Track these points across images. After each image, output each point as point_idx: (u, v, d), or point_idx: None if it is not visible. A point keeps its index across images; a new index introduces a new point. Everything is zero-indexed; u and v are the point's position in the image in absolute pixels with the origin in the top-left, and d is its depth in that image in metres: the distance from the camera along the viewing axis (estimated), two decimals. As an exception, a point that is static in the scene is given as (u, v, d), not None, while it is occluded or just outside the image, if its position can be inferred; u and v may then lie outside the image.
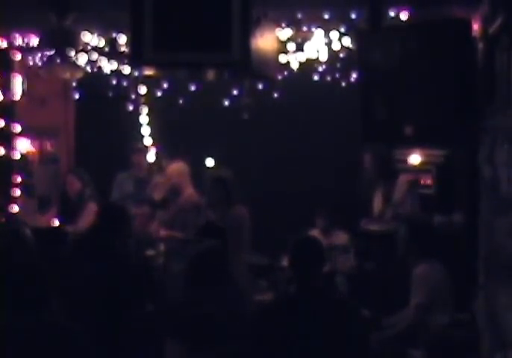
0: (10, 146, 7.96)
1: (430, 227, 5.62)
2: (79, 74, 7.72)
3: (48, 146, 8.86)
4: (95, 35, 7.28)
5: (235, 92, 8.10)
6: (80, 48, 7.31)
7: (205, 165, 8.36)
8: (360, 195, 7.19)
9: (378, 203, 6.85)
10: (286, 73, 7.55)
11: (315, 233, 7.10)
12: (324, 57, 7.23)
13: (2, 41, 7.63)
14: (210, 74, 6.20)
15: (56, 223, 7.71)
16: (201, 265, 4.52)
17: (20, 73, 8.07)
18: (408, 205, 6.49)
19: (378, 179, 6.88)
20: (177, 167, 7.27)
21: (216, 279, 4.43)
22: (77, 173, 7.74)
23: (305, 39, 6.98)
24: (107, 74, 8.21)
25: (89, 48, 7.40)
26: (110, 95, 8.55)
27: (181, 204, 7.09)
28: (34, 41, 7.54)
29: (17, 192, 8.01)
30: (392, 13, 6.06)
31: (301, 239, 4.16)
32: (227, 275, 4.55)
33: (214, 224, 6.40)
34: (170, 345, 4.31)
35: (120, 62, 7.92)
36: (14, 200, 7.96)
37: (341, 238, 7.19)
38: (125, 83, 8.49)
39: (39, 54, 7.70)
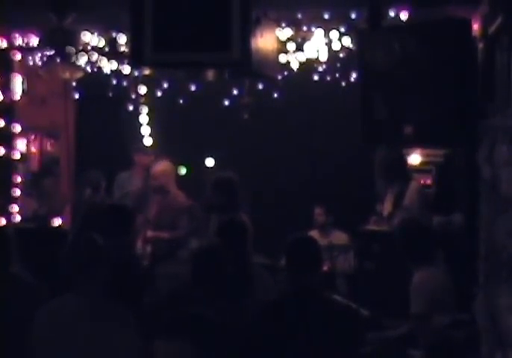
0: (10, 146, 7.95)
1: (429, 231, 5.59)
2: (79, 74, 7.73)
3: (48, 146, 8.86)
4: (95, 35, 7.28)
5: (235, 92, 8.09)
6: (80, 48, 7.32)
7: (205, 165, 8.36)
8: (374, 196, 7.18)
9: (388, 204, 6.82)
10: (286, 73, 7.54)
11: (314, 232, 7.09)
12: (324, 57, 7.23)
13: (2, 41, 7.63)
14: (210, 74, 6.20)
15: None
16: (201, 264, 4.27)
17: (20, 73, 8.06)
18: (416, 211, 6.46)
19: (391, 180, 6.84)
20: (162, 167, 7.23)
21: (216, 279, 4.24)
22: None
23: (305, 39, 6.99)
24: (107, 74, 8.21)
25: (89, 48, 7.41)
26: (110, 95, 8.55)
27: (168, 204, 7.04)
28: (34, 41, 7.54)
29: (17, 192, 8.01)
30: (392, 13, 6.07)
31: (297, 239, 4.14)
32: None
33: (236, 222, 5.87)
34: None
35: (120, 62, 7.92)
36: (14, 200, 7.95)
37: (341, 237, 7.18)
38: (125, 83, 8.48)
39: (39, 54, 7.70)
